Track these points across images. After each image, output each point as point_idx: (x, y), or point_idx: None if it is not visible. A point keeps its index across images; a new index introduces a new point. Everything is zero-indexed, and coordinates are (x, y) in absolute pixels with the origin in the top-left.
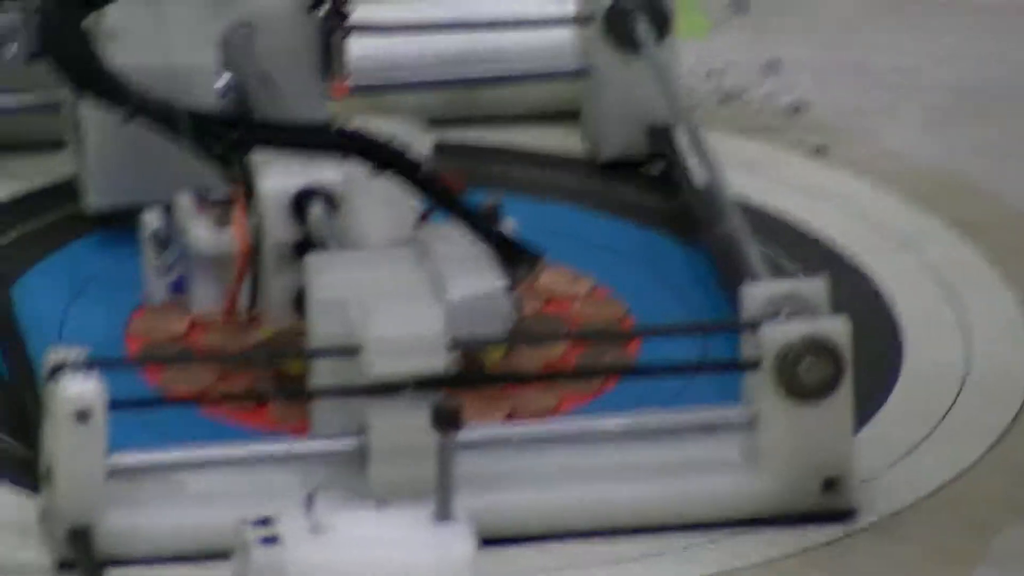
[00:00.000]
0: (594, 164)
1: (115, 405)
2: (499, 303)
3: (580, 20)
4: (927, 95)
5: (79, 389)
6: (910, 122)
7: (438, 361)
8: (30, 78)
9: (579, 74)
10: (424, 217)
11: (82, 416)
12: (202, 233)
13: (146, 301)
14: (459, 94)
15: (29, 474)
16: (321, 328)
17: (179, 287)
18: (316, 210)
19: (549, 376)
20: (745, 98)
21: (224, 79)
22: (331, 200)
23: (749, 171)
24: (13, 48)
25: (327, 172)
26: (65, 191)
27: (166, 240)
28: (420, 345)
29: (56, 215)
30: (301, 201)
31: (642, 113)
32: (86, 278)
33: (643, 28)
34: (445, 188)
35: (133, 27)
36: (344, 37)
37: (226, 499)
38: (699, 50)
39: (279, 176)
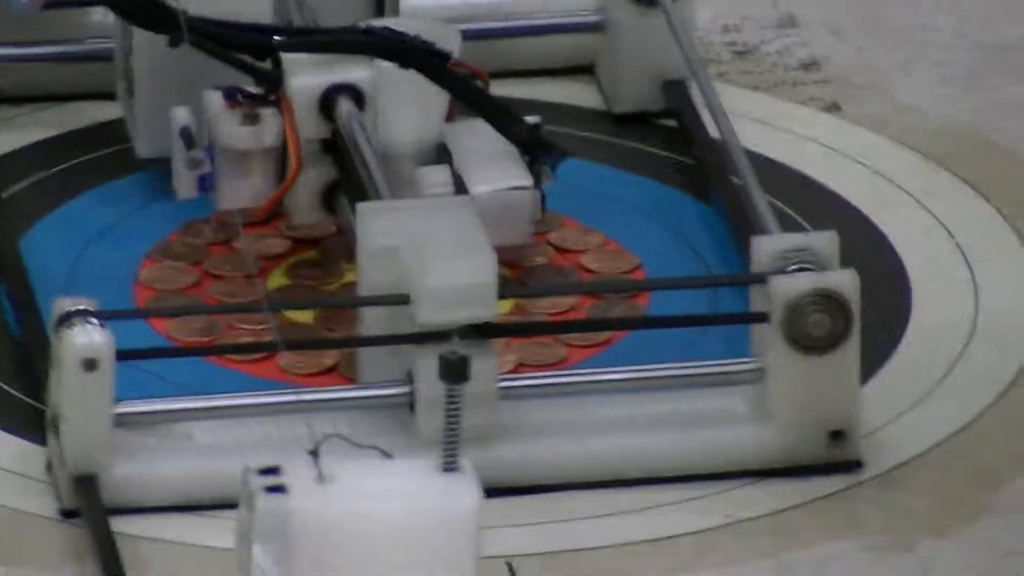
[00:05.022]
0: (608, 117)
1: (122, 355)
2: (524, 199)
3: None
4: (947, 52)
5: (86, 338)
6: (926, 79)
7: (488, 310)
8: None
9: (595, 27)
10: (451, 114)
11: (89, 365)
12: (231, 129)
13: (177, 197)
14: (474, 46)
15: (36, 424)
16: (371, 276)
17: (207, 183)
18: (344, 107)
19: (581, 326)
20: (760, 53)
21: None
22: (359, 97)
23: (763, 126)
24: None
25: (355, 70)
26: (75, 142)
27: (195, 136)
28: (470, 294)
29: (65, 166)
30: (329, 98)
31: (657, 67)
32: (95, 230)
33: None
34: (472, 84)
35: None
36: None
37: (232, 449)
38: (715, 5)
39: (308, 74)
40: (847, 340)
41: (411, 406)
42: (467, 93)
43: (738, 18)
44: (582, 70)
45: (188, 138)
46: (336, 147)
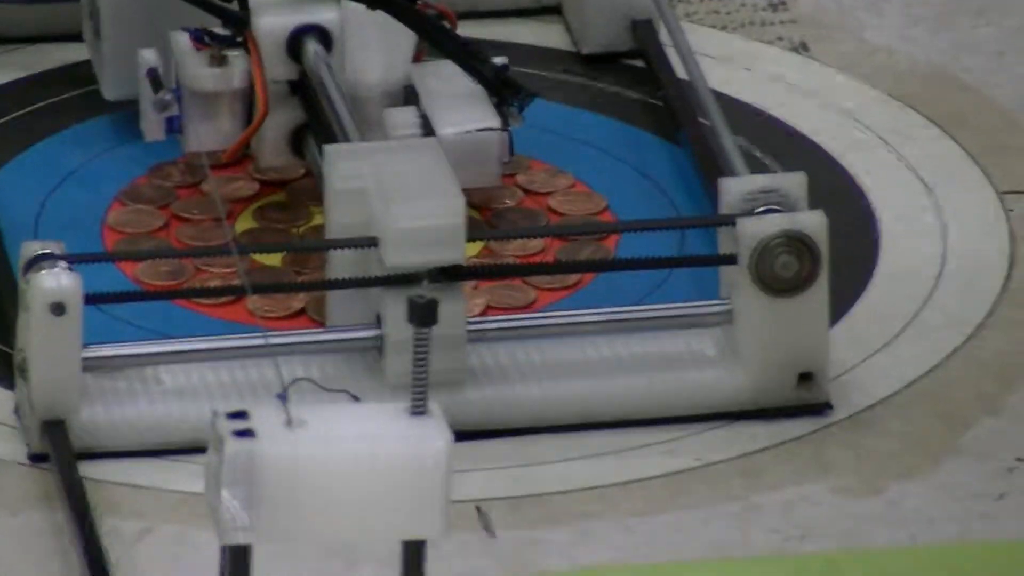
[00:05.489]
0: (576, 58)
1: (90, 298)
2: (492, 140)
3: None
4: None
5: (54, 282)
6: (895, 18)
7: (456, 253)
8: None
9: None
10: (419, 55)
11: (57, 309)
12: (198, 71)
13: (144, 139)
14: None
15: (4, 369)
16: (339, 218)
17: (175, 125)
18: (311, 48)
19: (550, 268)
20: None
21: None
22: (327, 38)
23: (730, 66)
24: None
25: (323, 11)
26: (43, 84)
27: (162, 78)
28: (439, 236)
29: (31, 109)
30: (296, 39)
31: (625, 7)
32: (63, 173)
33: None
34: (440, 25)
35: None
36: None
37: (200, 393)
38: None
39: (275, 15)
40: (816, 282)
41: (380, 349)
42: (435, 34)
43: None
44: (550, 10)
45: (155, 80)
46: (304, 89)
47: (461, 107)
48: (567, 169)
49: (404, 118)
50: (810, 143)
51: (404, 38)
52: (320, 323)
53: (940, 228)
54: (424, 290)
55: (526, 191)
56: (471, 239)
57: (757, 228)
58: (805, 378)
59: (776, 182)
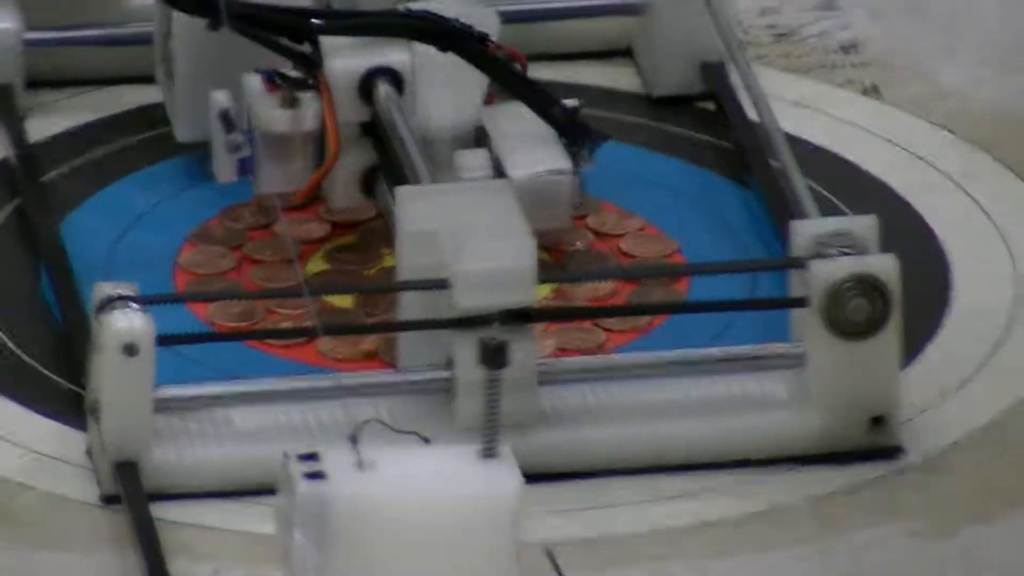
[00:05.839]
0: (646, 101)
1: (162, 340)
2: (563, 183)
3: None
4: (986, 35)
5: (127, 323)
6: (966, 62)
7: (527, 295)
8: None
9: (634, 9)
10: (490, 97)
11: (130, 350)
12: (270, 113)
13: (216, 181)
14: (513, 29)
15: (76, 409)
16: (410, 260)
17: (247, 166)
18: (383, 90)
19: (620, 311)
20: (799, 36)
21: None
22: (398, 80)
23: (802, 109)
24: None
25: (394, 53)
26: (116, 126)
27: (234, 120)
28: (509, 278)
29: (105, 151)
30: (368, 81)
31: (696, 50)
32: (135, 214)
33: None
34: (511, 67)
35: None
36: None
37: (271, 434)
38: None
39: (347, 57)
40: (887, 325)
41: (450, 391)
42: (506, 76)
43: (777, 0)
44: (621, 53)
45: (227, 122)
46: (375, 131)
47: (532, 149)
48: (638, 212)
49: (475, 160)
50: (881, 186)
51: (475, 80)
52: (391, 365)
53: (1012, 271)
54: (495, 332)
55: (597, 233)
56: (542, 281)
57: (828, 271)
58: (877, 421)
59: (847, 225)
